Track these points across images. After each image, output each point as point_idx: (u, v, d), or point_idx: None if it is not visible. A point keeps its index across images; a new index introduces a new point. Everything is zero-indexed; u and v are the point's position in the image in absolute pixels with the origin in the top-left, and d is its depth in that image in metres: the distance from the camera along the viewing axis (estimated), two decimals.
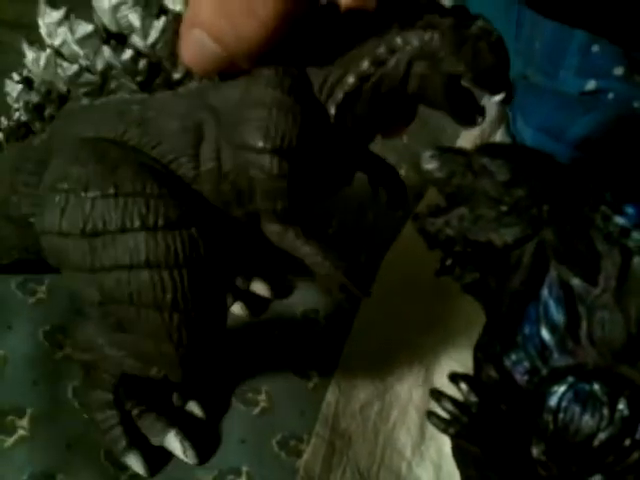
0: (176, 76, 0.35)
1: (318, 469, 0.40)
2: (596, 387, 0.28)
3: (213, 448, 0.41)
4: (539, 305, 0.30)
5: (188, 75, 0.34)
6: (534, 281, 0.30)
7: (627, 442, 0.28)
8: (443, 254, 0.33)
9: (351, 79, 0.33)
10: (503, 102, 0.33)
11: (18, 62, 0.38)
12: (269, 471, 0.40)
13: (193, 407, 0.42)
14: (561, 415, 0.29)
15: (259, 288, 0.49)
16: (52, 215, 0.34)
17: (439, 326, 0.48)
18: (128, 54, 0.34)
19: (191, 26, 0.31)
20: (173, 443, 0.40)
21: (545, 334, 0.30)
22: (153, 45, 0.34)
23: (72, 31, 0.35)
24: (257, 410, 0.43)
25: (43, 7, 0.35)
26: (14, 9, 0.53)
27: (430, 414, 0.31)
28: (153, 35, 0.34)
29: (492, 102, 0.34)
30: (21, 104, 0.39)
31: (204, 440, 0.41)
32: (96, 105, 0.36)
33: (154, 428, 0.40)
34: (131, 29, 0.34)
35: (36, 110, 0.38)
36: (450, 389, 0.31)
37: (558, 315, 0.30)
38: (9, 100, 0.39)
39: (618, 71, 0.55)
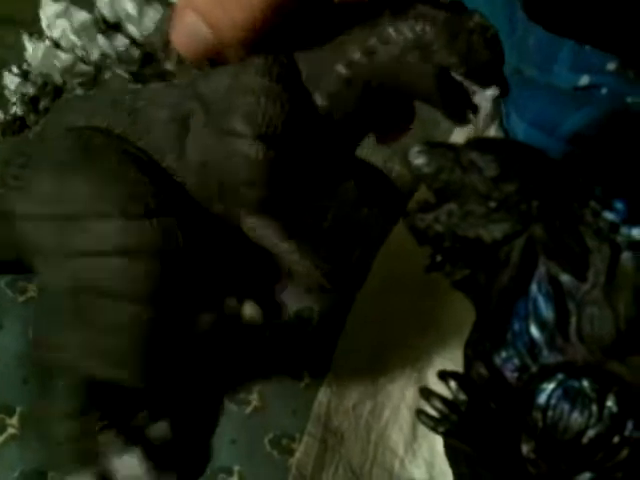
0: (169, 67, 0.34)
1: (310, 467, 0.40)
2: (585, 384, 0.28)
3: (194, 470, 0.39)
4: (528, 301, 0.30)
5: (181, 66, 0.34)
6: (523, 277, 0.30)
7: (616, 439, 0.27)
8: (433, 250, 0.32)
9: (341, 69, 0.32)
10: (498, 96, 0.33)
11: (7, 57, 0.38)
12: (261, 470, 0.40)
13: (160, 427, 0.39)
14: (550, 412, 0.29)
15: (250, 311, 0.48)
16: (30, 198, 0.34)
17: (431, 324, 0.48)
18: (122, 42, 0.34)
19: (184, 10, 0.31)
20: (130, 463, 0.37)
21: (534, 331, 0.30)
22: (148, 34, 0.34)
23: (70, 21, 0.35)
24: (249, 409, 0.42)
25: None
26: (5, 4, 0.53)
27: (420, 413, 0.31)
28: (148, 24, 0.34)
29: (486, 96, 0.33)
30: (18, 97, 0.38)
31: (180, 461, 0.39)
32: (90, 95, 0.36)
33: (113, 445, 0.37)
34: (128, 18, 0.34)
35: (31, 102, 0.38)
36: (441, 387, 0.31)
37: (547, 311, 0.30)
38: (7, 94, 0.39)
39: (611, 66, 0.55)
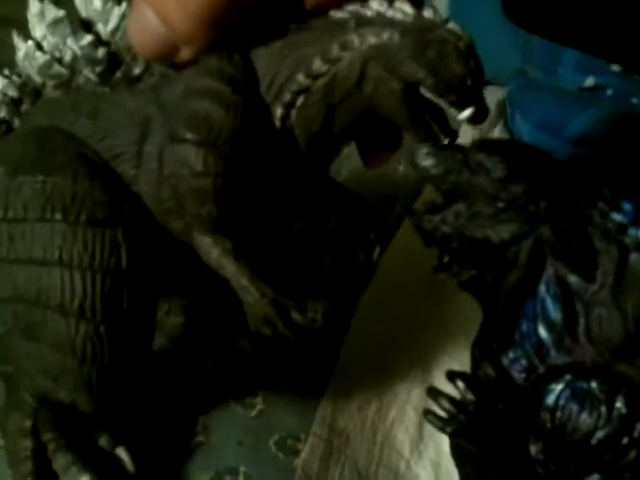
0: (136, 71, 0.33)
1: (316, 467, 0.40)
2: (594, 385, 0.28)
3: None
4: (536, 302, 0.30)
5: (148, 69, 0.33)
6: (531, 278, 0.30)
7: (625, 440, 0.28)
8: (440, 251, 0.32)
9: (301, 78, 0.30)
10: (473, 121, 0.30)
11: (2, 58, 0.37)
12: (267, 471, 0.40)
13: (121, 454, 0.36)
14: (559, 413, 0.29)
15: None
16: None
17: (437, 324, 0.48)
18: (87, 40, 0.33)
19: (138, 3, 0.29)
20: None
21: (542, 332, 0.30)
22: (113, 32, 0.33)
23: (44, 19, 0.33)
24: (254, 412, 0.42)
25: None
26: (5, 4, 0.52)
27: (427, 412, 0.31)
28: (113, 21, 0.33)
29: (460, 120, 0.30)
30: (2, 99, 0.37)
31: None
32: (61, 98, 0.35)
33: (67, 470, 0.34)
34: (97, 16, 0.33)
35: (14, 105, 0.37)
36: (448, 388, 0.31)
37: (555, 312, 0.30)
38: None
39: (616, 67, 0.55)
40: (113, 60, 0.33)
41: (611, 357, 0.29)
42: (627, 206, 0.29)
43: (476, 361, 0.32)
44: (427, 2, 0.32)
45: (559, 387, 0.29)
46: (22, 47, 0.35)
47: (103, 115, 0.33)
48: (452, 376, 0.31)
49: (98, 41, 0.33)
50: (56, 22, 0.33)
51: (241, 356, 0.42)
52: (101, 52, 0.33)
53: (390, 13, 0.29)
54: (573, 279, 0.29)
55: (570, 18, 0.54)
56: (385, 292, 0.49)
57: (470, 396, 0.30)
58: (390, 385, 0.45)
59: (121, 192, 0.33)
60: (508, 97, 0.59)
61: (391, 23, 0.29)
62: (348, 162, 0.48)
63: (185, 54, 0.30)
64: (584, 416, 0.28)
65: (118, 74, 0.34)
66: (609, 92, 0.55)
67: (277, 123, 0.31)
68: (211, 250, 0.32)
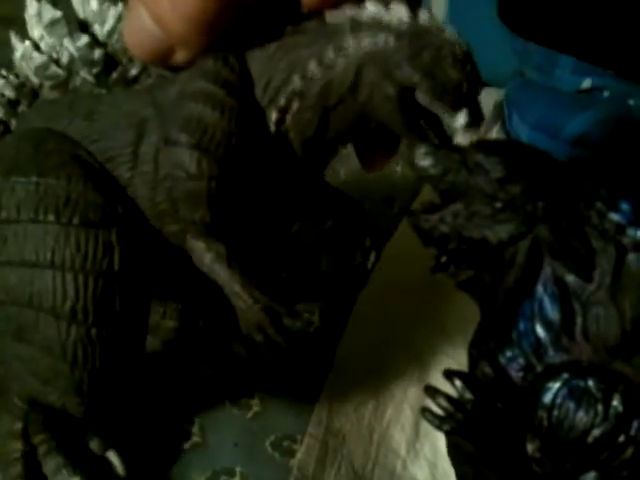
0: (132, 72, 0.33)
1: (312, 468, 0.40)
2: (590, 383, 0.28)
3: None
4: (534, 302, 0.30)
5: (145, 71, 0.33)
6: (529, 278, 0.30)
7: (621, 438, 0.28)
8: (438, 251, 0.32)
9: (296, 81, 0.30)
10: (468, 125, 0.30)
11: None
12: (263, 471, 0.40)
13: (112, 458, 0.36)
14: (556, 412, 0.29)
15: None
16: None
17: (434, 324, 0.48)
18: (83, 41, 0.33)
19: (133, 4, 0.29)
20: None
21: (540, 331, 0.30)
22: (110, 33, 0.33)
23: (41, 19, 0.33)
24: (250, 413, 0.42)
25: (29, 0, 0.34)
26: (5, 3, 0.52)
27: (424, 410, 0.31)
28: (110, 22, 0.33)
29: (455, 127, 0.30)
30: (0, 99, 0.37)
31: None
32: (57, 99, 0.35)
33: (57, 473, 0.34)
34: (93, 17, 0.33)
35: (10, 105, 0.37)
36: (445, 386, 0.31)
37: (553, 312, 0.30)
38: None
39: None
40: (110, 61, 0.34)
41: (608, 356, 0.29)
42: (625, 206, 0.29)
43: (474, 360, 0.32)
44: (424, 4, 0.32)
45: (556, 385, 0.29)
46: (19, 47, 0.35)
47: (99, 116, 0.33)
48: (450, 375, 0.31)
49: (95, 42, 0.33)
50: (53, 23, 0.33)
51: (236, 359, 0.42)
52: (98, 53, 0.33)
53: (386, 17, 0.29)
54: (571, 279, 0.29)
55: (565, 26, 0.55)
56: (382, 292, 0.49)
57: (468, 395, 0.30)
58: (387, 385, 0.45)
59: (115, 194, 0.32)
60: (505, 98, 0.59)
61: (387, 27, 0.29)
62: (346, 163, 0.48)
63: (181, 57, 0.30)
64: (581, 414, 0.28)
65: (114, 75, 0.34)
66: (606, 94, 0.55)
67: (272, 127, 0.31)
68: (204, 255, 0.32)
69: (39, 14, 0.34)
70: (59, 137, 0.33)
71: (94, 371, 0.32)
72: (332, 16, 0.30)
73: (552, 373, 0.29)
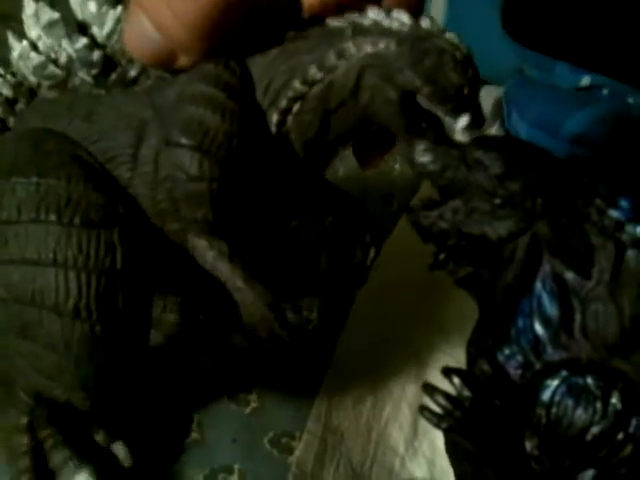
0: (131, 73, 0.33)
1: (310, 465, 0.40)
2: (589, 381, 0.28)
3: None
4: (532, 299, 0.30)
5: (144, 72, 0.33)
6: (528, 274, 0.30)
7: (620, 436, 0.28)
8: (437, 248, 0.32)
9: (297, 84, 0.30)
10: (470, 128, 0.30)
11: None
12: (261, 468, 0.40)
13: (118, 450, 0.37)
14: (554, 409, 0.29)
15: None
16: None
17: (433, 321, 0.48)
18: (82, 43, 0.33)
19: (133, 8, 0.29)
20: None
21: (538, 328, 0.30)
22: (109, 35, 0.33)
23: (39, 20, 0.33)
24: (248, 410, 0.42)
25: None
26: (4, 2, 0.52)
27: (423, 408, 0.31)
28: (109, 25, 0.33)
29: (457, 130, 0.30)
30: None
31: None
32: (56, 99, 0.35)
33: (64, 466, 0.35)
34: (92, 19, 0.33)
35: (8, 104, 0.37)
36: (443, 384, 0.31)
37: (552, 309, 0.30)
38: None
39: None
40: (108, 63, 0.33)
41: (607, 353, 0.29)
42: (624, 203, 0.29)
43: (472, 358, 0.32)
44: (425, 6, 0.32)
45: (555, 383, 0.29)
46: (17, 47, 0.35)
47: (98, 117, 0.33)
48: (448, 372, 0.31)
49: (93, 44, 0.33)
50: (51, 24, 0.33)
51: (236, 353, 0.42)
52: (96, 55, 0.33)
53: (387, 22, 0.29)
54: (569, 275, 0.29)
55: (568, 36, 0.55)
56: (381, 289, 0.49)
57: (466, 392, 0.30)
58: (385, 382, 0.45)
59: (116, 194, 0.32)
60: (505, 96, 0.59)
61: (388, 32, 0.29)
62: (345, 161, 0.48)
63: (182, 61, 0.31)
64: (579, 412, 0.28)
65: (113, 77, 0.34)
66: (605, 91, 0.55)
67: (273, 129, 0.31)
68: (206, 253, 0.32)
69: (36, 15, 0.34)
70: (59, 137, 0.33)
71: (99, 367, 0.32)
72: (333, 21, 0.30)
73: (551, 370, 0.29)
